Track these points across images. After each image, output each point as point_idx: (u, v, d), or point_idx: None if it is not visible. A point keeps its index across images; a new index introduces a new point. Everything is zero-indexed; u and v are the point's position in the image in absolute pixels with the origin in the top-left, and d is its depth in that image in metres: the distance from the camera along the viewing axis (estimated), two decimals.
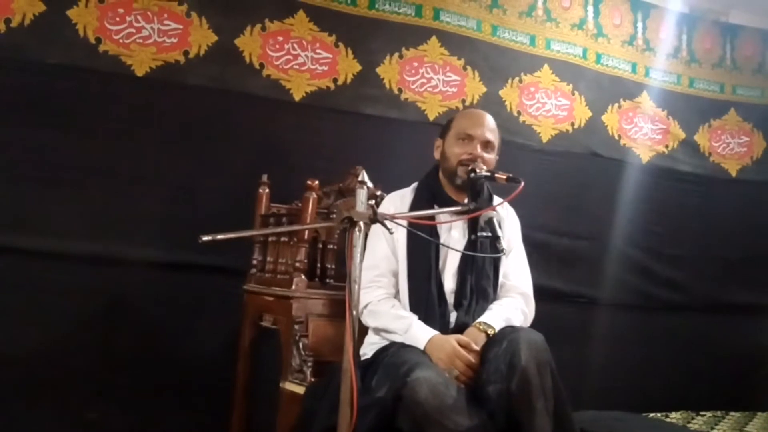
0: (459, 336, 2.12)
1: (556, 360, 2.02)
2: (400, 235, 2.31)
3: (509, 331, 2.09)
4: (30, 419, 2.80)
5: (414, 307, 2.26)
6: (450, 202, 2.37)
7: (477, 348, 2.08)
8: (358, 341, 2.21)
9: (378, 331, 2.29)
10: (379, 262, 2.33)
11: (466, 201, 2.35)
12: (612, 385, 4.00)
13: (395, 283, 2.34)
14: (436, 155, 2.47)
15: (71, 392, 2.87)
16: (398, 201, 2.44)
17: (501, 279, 2.38)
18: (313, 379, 2.29)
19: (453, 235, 2.36)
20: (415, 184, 2.48)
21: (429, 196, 2.40)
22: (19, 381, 2.79)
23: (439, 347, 2.10)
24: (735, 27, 4.65)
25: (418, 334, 2.16)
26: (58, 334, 2.87)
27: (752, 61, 4.64)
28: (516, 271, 2.43)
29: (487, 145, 2.37)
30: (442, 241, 2.32)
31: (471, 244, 2.29)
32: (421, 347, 2.12)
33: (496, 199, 2.38)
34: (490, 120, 2.42)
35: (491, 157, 2.37)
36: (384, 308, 2.27)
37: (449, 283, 2.30)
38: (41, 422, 2.82)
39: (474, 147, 2.34)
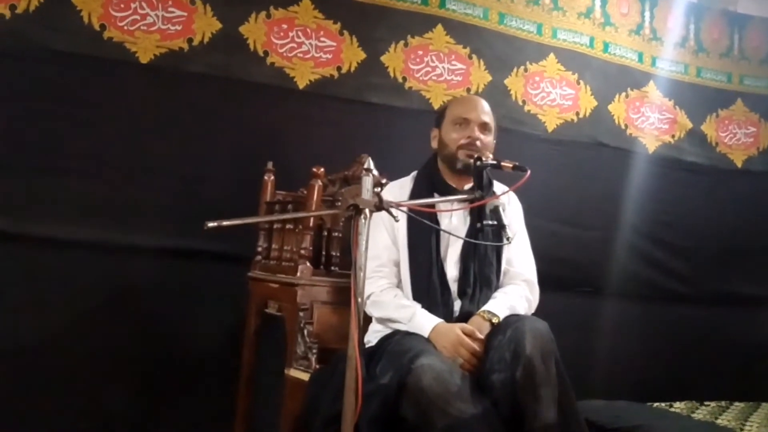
0: (463, 324, 2.12)
1: (562, 349, 2.02)
2: (401, 224, 2.31)
3: (514, 319, 2.09)
4: (34, 408, 2.81)
5: (416, 296, 2.27)
6: (449, 190, 2.36)
7: (481, 336, 2.08)
8: (363, 328, 2.21)
9: (382, 320, 2.29)
10: (381, 252, 2.32)
11: (466, 188, 2.34)
12: (617, 374, 3.99)
13: (397, 272, 2.34)
14: (434, 144, 2.47)
15: (76, 380, 2.88)
16: (397, 190, 2.43)
17: (504, 266, 2.38)
18: (317, 366, 2.30)
19: (453, 222, 2.35)
20: (414, 173, 2.48)
21: (428, 184, 2.39)
22: (24, 370, 2.81)
23: (443, 335, 2.10)
24: (743, 16, 4.61)
25: (422, 322, 2.16)
26: (62, 322, 2.88)
27: (760, 51, 4.60)
28: (519, 257, 2.42)
29: (484, 127, 2.36)
30: (442, 229, 2.31)
31: (474, 232, 2.29)
32: (426, 335, 2.12)
33: (498, 186, 2.37)
34: (484, 103, 2.42)
35: (489, 139, 2.37)
36: (387, 298, 2.27)
37: (452, 271, 2.30)
38: (45, 411, 2.83)
39: (472, 130, 2.34)
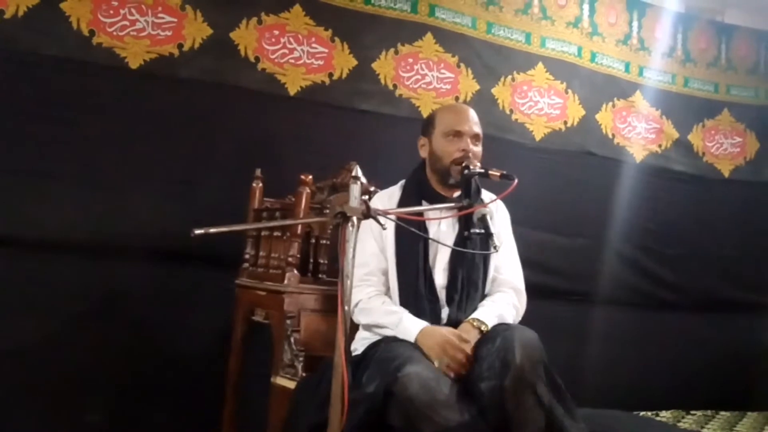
0: (451, 329, 2.12)
1: (550, 357, 2.02)
2: (389, 232, 2.30)
3: (503, 328, 2.09)
4: (21, 411, 2.80)
5: (404, 304, 2.26)
6: (438, 198, 2.36)
7: (468, 338, 2.08)
8: (350, 336, 2.21)
9: (369, 327, 2.28)
10: (369, 260, 2.32)
11: (455, 196, 2.35)
12: (604, 383, 4.00)
13: (385, 280, 2.34)
14: (423, 153, 2.44)
15: (62, 384, 2.87)
16: (386, 199, 2.42)
17: (492, 273, 2.38)
18: (304, 374, 2.30)
19: (442, 229, 2.35)
20: (402, 182, 2.47)
21: (417, 192, 2.39)
22: (13, 373, 2.79)
23: (429, 337, 2.10)
24: (730, 27, 4.67)
25: (409, 326, 2.16)
26: (49, 326, 2.87)
27: (747, 61, 4.66)
28: (507, 265, 2.42)
29: (476, 138, 2.36)
30: (431, 236, 2.31)
31: (462, 240, 2.29)
32: (413, 339, 2.12)
33: (486, 194, 2.37)
34: (473, 113, 2.40)
35: (479, 149, 2.37)
36: (375, 305, 2.27)
37: (440, 278, 2.30)
38: (32, 415, 2.82)
39: (465, 143, 2.32)
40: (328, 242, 2.76)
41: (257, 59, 3.29)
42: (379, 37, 3.56)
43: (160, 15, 3.11)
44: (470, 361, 2.04)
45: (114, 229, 2.97)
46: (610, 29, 4.24)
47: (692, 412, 4.21)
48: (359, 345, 2.28)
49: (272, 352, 2.49)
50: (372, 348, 2.15)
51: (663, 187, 4.33)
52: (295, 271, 2.55)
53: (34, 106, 2.88)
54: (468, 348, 2.06)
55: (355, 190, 1.71)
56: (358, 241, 2.33)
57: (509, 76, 3.91)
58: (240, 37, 3.25)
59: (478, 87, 3.81)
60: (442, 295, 2.29)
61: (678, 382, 4.24)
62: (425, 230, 2.32)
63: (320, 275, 2.73)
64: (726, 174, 4.59)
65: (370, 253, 2.32)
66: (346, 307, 1.61)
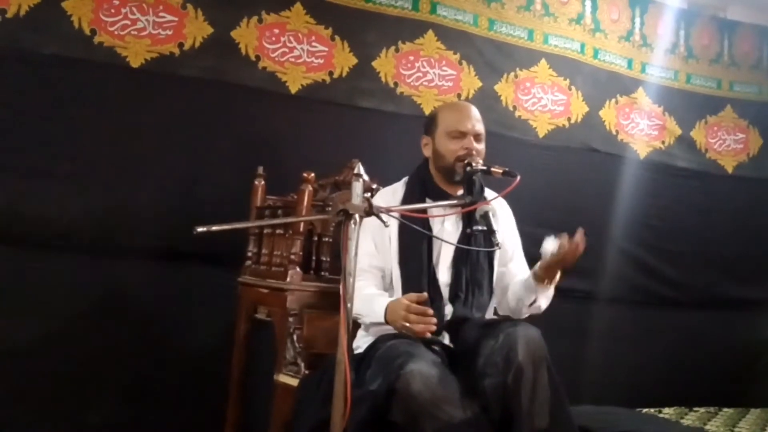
0: (410, 294, 2.13)
1: (552, 354, 2.02)
2: (392, 229, 2.30)
3: (507, 325, 2.09)
4: (23, 412, 2.81)
5: None
6: (442, 195, 2.36)
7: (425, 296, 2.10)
8: (352, 334, 2.20)
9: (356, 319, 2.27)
10: (361, 258, 2.30)
11: (459, 193, 2.34)
12: (606, 379, 4.00)
13: (381, 277, 2.34)
14: (426, 152, 2.45)
15: (65, 384, 2.87)
16: (390, 196, 2.43)
17: (501, 269, 2.40)
18: (307, 372, 2.30)
19: (446, 227, 2.35)
20: (405, 179, 2.47)
21: (421, 189, 2.39)
22: (14, 374, 2.79)
23: (393, 311, 2.12)
24: (733, 23, 4.65)
25: (378, 309, 2.18)
26: (52, 326, 2.87)
27: (749, 58, 4.64)
28: (519, 266, 2.46)
29: (479, 137, 2.37)
30: (434, 234, 2.31)
31: (465, 237, 2.29)
32: (383, 320, 2.15)
33: (489, 192, 2.37)
34: (476, 112, 2.41)
35: (483, 147, 2.38)
36: (356, 296, 2.26)
37: (444, 276, 2.30)
38: (35, 415, 2.82)
39: (469, 142, 2.33)
40: (331, 240, 2.76)
41: (258, 58, 3.28)
42: (380, 35, 3.55)
43: (161, 14, 3.11)
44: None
45: (115, 228, 2.98)
46: (612, 26, 4.23)
47: (695, 408, 4.20)
48: (361, 342, 2.28)
49: (275, 350, 2.49)
50: (374, 345, 2.15)
51: (666, 184, 4.32)
52: (298, 269, 2.56)
53: (35, 105, 2.88)
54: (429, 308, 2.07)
55: (357, 187, 1.71)
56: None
57: (512, 73, 3.90)
58: (240, 35, 3.25)
59: (480, 84, 3.80)
60: (445, 292, 2.30)
61: (680, 379, 4.23)
62: (429, 228, 2.32)
63: (322, 273, 2.73)
64: (729, 170, 4.58)
65: (363, 251, 2.31)
66: (349, 304, 1.62)
